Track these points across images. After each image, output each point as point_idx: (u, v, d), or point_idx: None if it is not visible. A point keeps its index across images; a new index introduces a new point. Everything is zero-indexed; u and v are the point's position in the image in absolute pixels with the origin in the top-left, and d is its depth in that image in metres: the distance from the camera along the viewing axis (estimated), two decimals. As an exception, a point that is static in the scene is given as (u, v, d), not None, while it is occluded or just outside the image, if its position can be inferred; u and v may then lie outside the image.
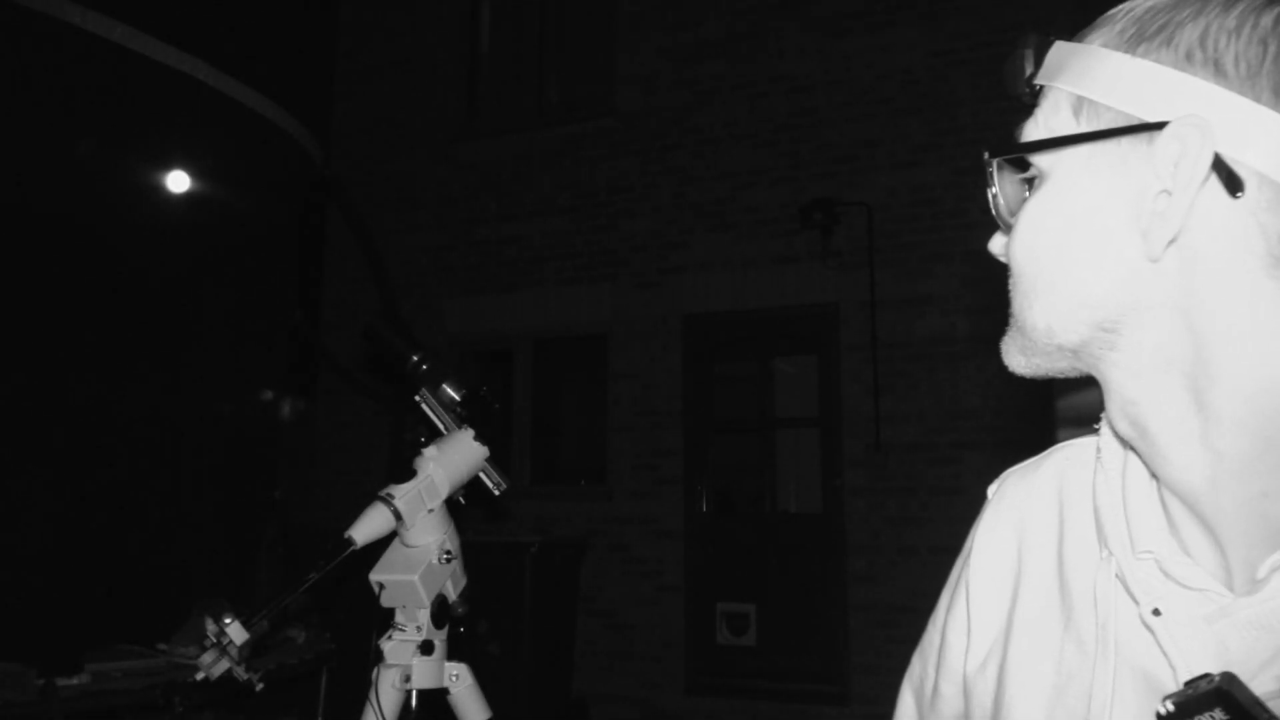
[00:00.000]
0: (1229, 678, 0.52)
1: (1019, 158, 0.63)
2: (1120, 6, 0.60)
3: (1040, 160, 0.61)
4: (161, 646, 3.22)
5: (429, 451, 1.80)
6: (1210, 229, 0.54)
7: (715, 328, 6.20)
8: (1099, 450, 0.68)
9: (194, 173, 4.08)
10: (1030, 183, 0.63)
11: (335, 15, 7.63)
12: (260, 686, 1.59)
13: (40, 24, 3.40)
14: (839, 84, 6.00)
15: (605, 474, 6.27)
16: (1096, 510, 0.67)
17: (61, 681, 2.77)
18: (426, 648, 1.74)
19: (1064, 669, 0.66)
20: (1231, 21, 0.53)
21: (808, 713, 5.43)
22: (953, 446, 5.32)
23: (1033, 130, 0.63)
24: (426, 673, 1.75)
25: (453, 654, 1.83)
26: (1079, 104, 0.60)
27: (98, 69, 3.64)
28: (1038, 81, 0.63)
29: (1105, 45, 0.59)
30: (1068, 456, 0.76)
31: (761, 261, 6.02)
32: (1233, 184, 0.52)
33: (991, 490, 0.81)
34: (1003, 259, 0.65)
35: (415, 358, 1.93)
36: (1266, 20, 0.53)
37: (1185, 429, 0.57)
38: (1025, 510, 0.76)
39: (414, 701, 1.74)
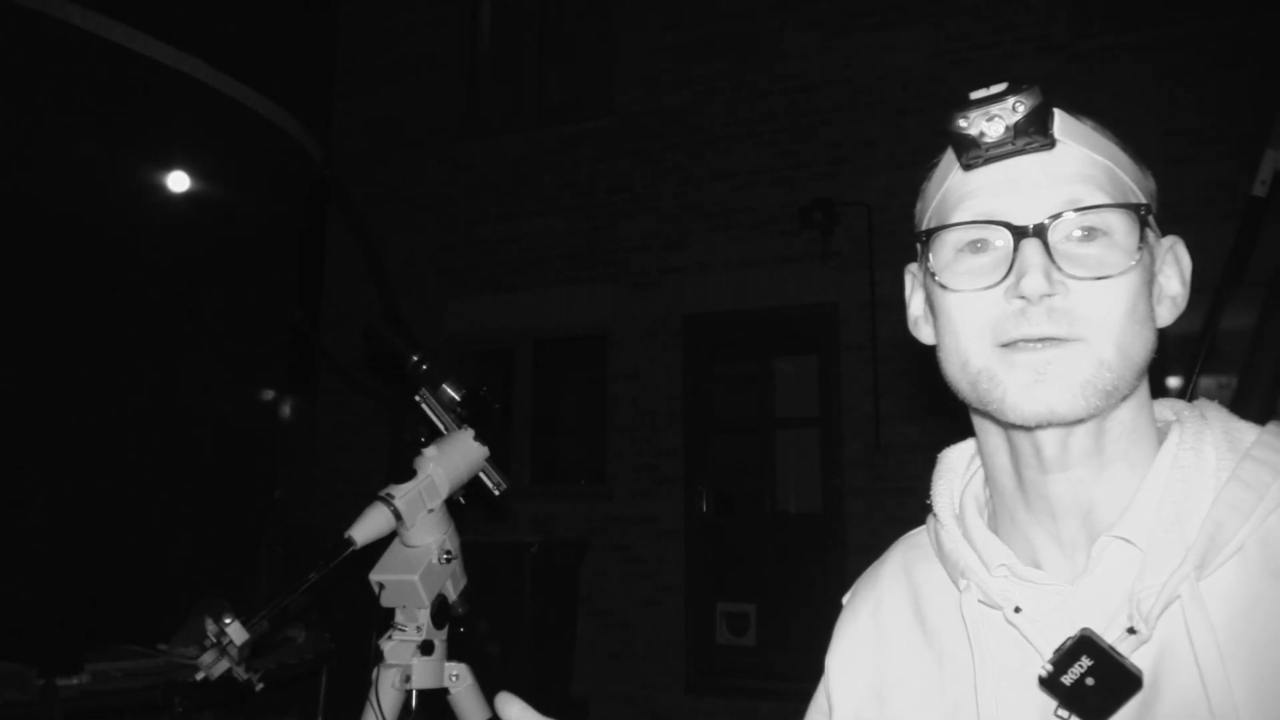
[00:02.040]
0: (1085, 630, 0.68)
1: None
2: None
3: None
4: (161, 646, 3.22)
5: (429, 451, 1.80)
6: None
7: (715, 328, 6.20)
8: (934, 516, 0.86)
9: (194, 172, 4.07)
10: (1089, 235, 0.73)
11: (335, 15, 7.62)
12: (260, 687, 1.59)
13: (40, 24, 3.40)
14: (839, 84, 6.00)
15: (605, 474, 6.26)
16: (945, 558, 0.82)
17: (61, 681, 2.77)
18: (426, 648, 1.74)
19: (950, 696, 0.78)
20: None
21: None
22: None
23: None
24: (426, 673, 1.75)
25: (453, 654, 1.83)
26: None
27: (97, 69, 3.64)
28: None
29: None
30: (907, 546, 0.94)
31: (761, 261, 6.01)
32: None
33: (846, 599, 0.96)
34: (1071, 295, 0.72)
35: (415, 358, 1.93)
36: None
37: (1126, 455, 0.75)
38: (876, 598, 0.90)
39: (414, 701, 1.74)
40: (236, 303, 4.38)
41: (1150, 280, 0.74)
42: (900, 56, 5.85)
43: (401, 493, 1.71)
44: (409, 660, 1.74)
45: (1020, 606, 0.74)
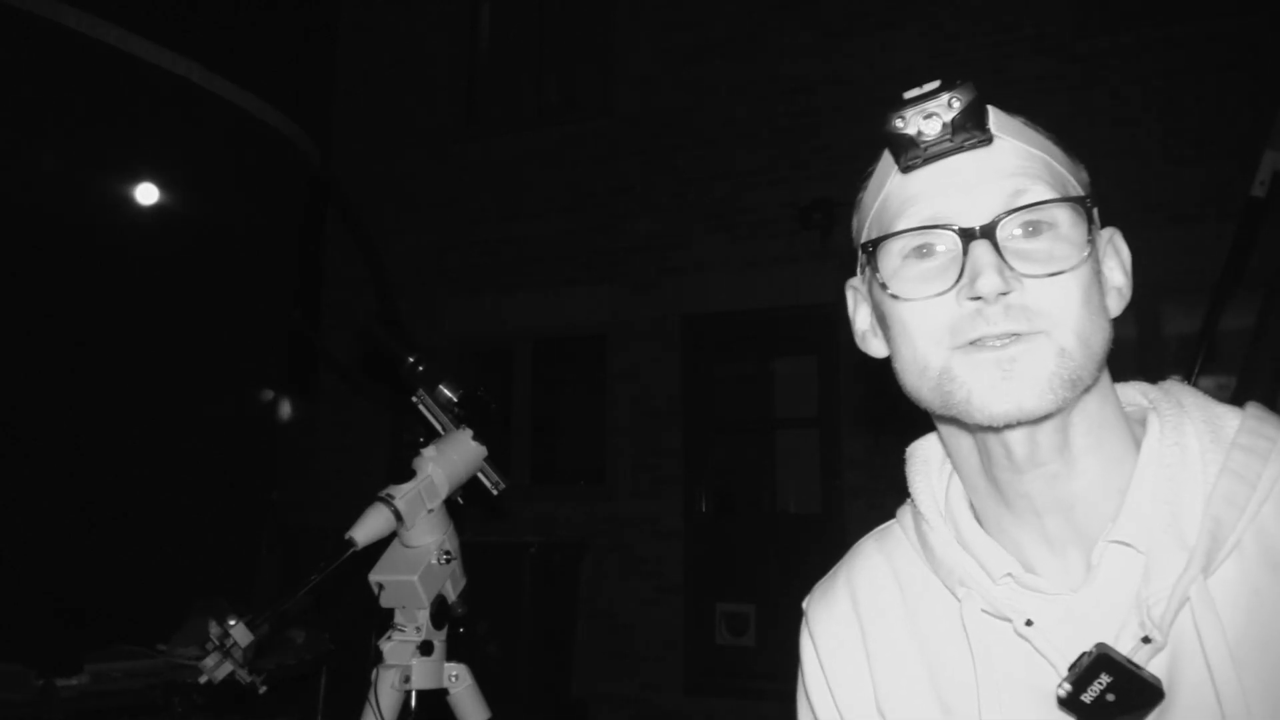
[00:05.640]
0: (1101, 645, 0.66)
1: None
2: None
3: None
4: (161, 647, 3.22)
5: (428, 452, 1.80)
6: None
7: (715, 328, 6.20)
8: (921, 520, 0.82)
9: (191, 175, 4.07)
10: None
11: (335, 15, 7.62)
12: (264, 689, 1.58)
13: (35, 26, 3.40)
14: (839, 84, 6.00)
15: (605, 474, 6.26)
16: (937, 563, 0.79)
17: (61, 682, 2.77)
18: (426, 648, 1.74)
19: (944, 701, 0.76)
20: None
21: (808, 713, 5.40)
22: (952, 446, 5.31)
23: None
24: (426, 673, 1.75)
25: (452, 654, 1.83)
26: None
27: (93, 71, 3.64)
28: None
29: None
30: (880, 539, 0.89)
31: (761, 262, 6.01)
32: None
33: (806, 603, 0.92)
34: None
35: (411, 359, 1.93)
36: None
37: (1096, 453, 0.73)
38: (852, 591, 0.86)
39: (413, 702, 1.74)
40: (235, 304, 4.38)
41: (1098, 272, 0.73)
42: (900, 56, 5.85)
43: (401, 493, 1.71)
44: (408, 661, 1.73)
45: (1032, 620, 0.72)
